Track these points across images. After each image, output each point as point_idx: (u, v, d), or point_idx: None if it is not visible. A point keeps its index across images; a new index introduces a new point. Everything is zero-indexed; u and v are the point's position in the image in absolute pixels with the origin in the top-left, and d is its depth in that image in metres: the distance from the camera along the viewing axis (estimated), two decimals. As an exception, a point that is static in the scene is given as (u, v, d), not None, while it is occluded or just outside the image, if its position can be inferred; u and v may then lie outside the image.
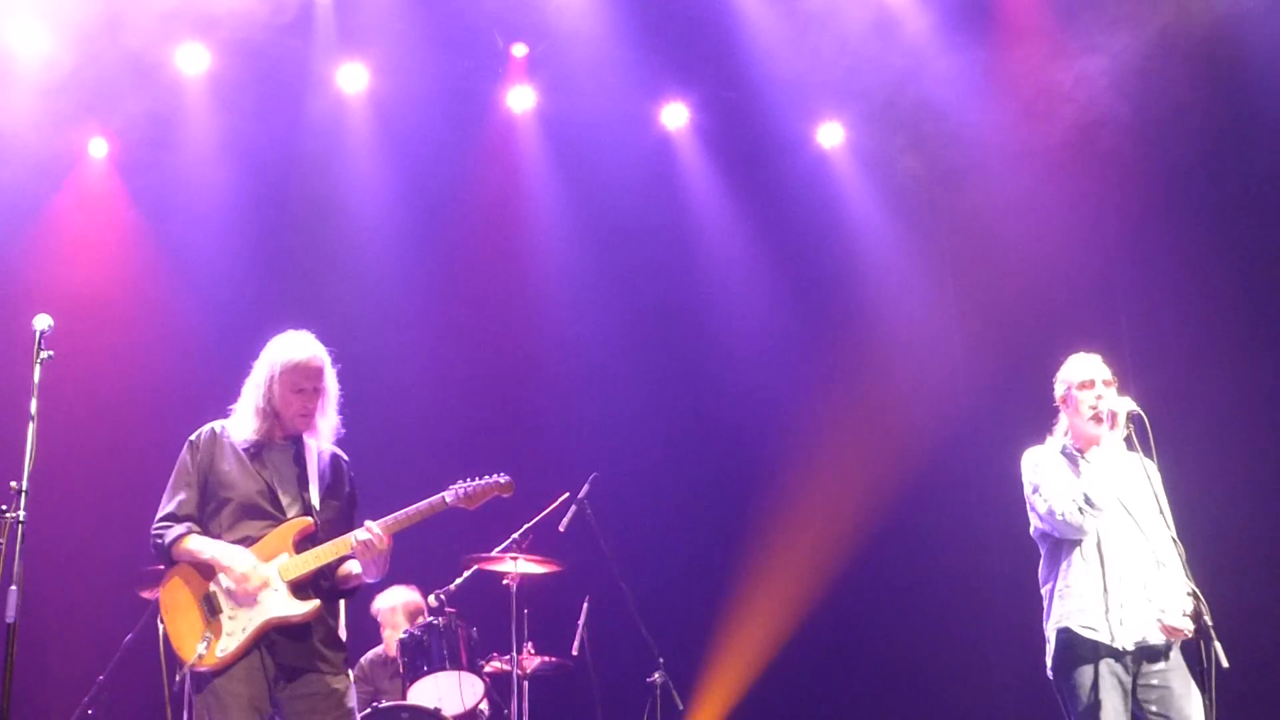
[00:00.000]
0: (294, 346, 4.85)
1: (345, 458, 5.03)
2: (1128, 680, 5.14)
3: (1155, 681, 5.15)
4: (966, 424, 9.41)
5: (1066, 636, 5.21)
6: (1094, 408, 5.28)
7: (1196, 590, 4.94)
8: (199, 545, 4.68)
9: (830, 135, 9.63)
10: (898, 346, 9.53)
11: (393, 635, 7.59)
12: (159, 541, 4.74)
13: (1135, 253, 8.69)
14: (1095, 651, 5.14)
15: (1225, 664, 4.82)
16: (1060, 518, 5.20)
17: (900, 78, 8.90)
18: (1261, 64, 7.82)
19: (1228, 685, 4.90)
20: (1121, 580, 5.19)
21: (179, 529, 4.71)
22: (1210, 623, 4.87)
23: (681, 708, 7.47)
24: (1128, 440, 5.25)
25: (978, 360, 9.41)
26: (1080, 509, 5.17)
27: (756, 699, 9.16)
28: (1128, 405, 5.22)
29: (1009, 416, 8.75)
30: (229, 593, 4.64)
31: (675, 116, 9.63)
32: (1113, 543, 5.24)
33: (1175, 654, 5.19)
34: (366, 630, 7.67)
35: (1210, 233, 8.30)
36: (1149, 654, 5.17)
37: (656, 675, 7.46)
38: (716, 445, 9.55)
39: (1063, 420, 5.48)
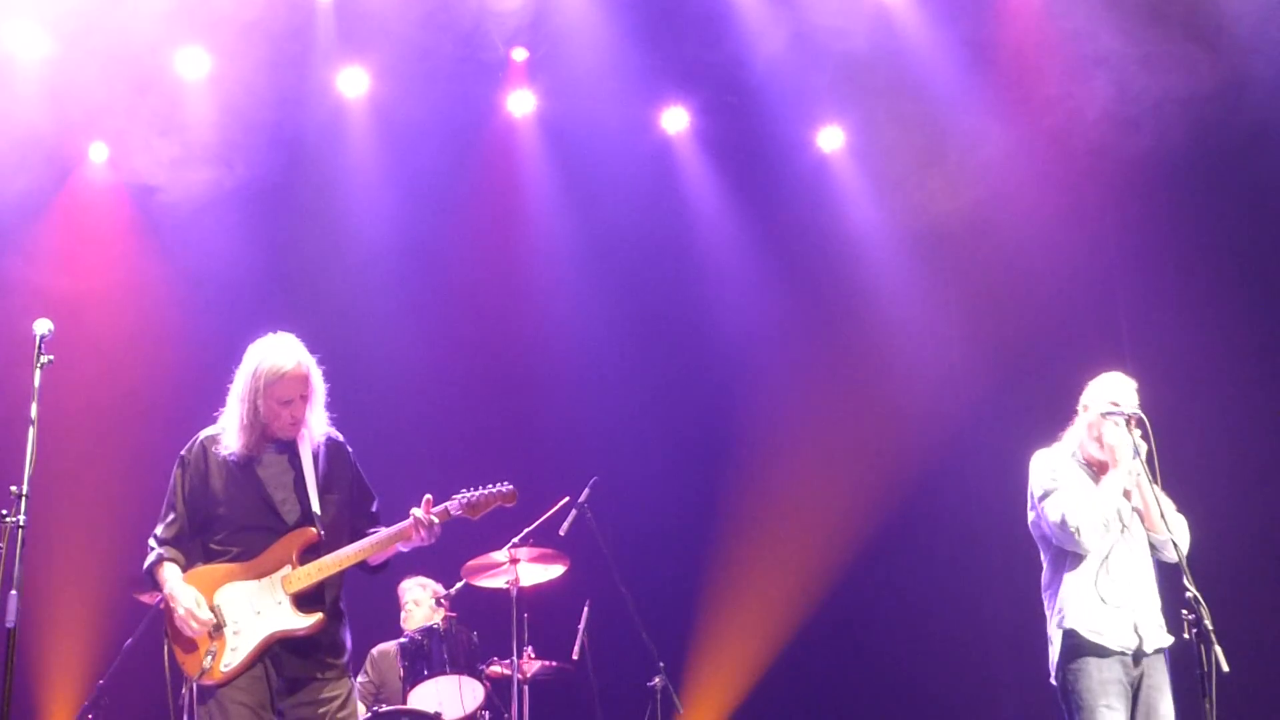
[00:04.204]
0: (276, 356, 4.71)
1: (340, 438, 4.95)
2: (1129, 684, 5.17)
3: (1145, 696, 5.19)
4: (967, 427, 9.40)
5: (1071, 641, 5.22)
6: (1110, 445, 5.27)
7: (1197, 594, 4.94)
8: (162, 577, 4.69)
9: (831, 139, 9.64)
10: (898, 351, 9.53)
11: (416, 611, 7.61)
12: (144, 565, 4.76)
13: (1135, 257, 8.69)
14: (1099, 655, 5.16)
15: (1225, 668, 4.83)
16: (1074, 531, 5.18)
17: (901, 82, 8.91)
18: (1264, 72, 7.82)
19: (1227, 689, 4.90)
20: (1125, 586, 5.21)
21: (153, 556, 4.72)
22: (1210, 626, 4.88)
23: (681, 711, 7.46)
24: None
25: (977, 364, 9.40)
26: (1095, 528, 5.17)
27: (756, 703, 9.16)
28: (1128, 441, 5.22)
29: (1008, 420, 8.77)
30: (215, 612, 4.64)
31: (676, 120, 9.63)
32: (1117, 548, 5.25)
33: (1161, 664, 5.24)
34: (376, 621, 7.69)
35: (1210, 237, 8.30)
36: (1148, 658, 5.20)
37: (657, 679, 7.45)
38: (716, 449, 9.54)
39: (1077, 428, 5.46)
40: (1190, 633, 4.96)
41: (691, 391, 9.61)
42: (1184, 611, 4.98)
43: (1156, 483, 5.25)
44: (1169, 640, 5.28)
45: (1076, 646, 5.21)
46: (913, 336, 9.56)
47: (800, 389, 9.53)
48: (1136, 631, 5.18)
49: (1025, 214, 8.85)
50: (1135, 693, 5.20)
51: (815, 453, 9.36)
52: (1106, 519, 5.20)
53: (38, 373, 4.61)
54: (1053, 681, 5.35)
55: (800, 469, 9.35)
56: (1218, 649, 4.84)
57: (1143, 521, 5.34)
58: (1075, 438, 5.44)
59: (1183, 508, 5.49)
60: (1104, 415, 5.29)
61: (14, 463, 4.50)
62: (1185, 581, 5.01)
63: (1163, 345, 8.28)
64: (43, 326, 4.68)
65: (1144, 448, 5.24)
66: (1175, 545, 5.21)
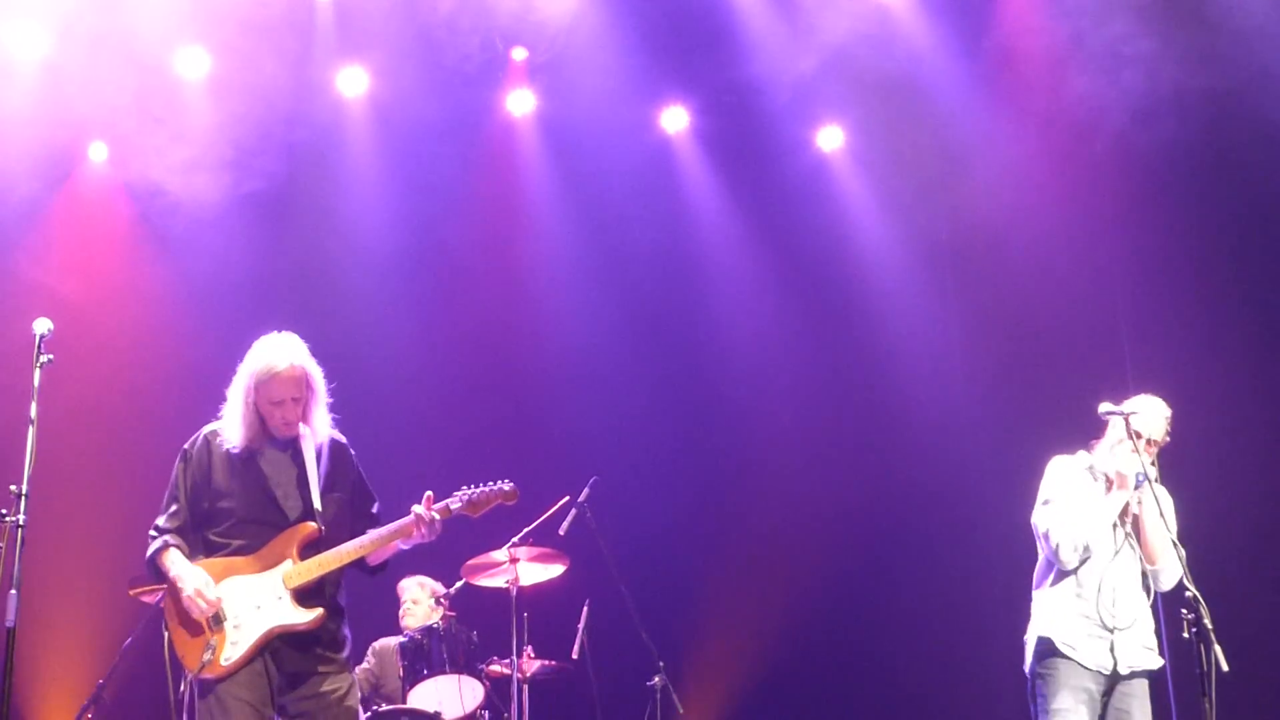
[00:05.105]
0: (270, 356, 4.72)
1: (344, 440, 4.97)
2: (1099, 698, 5.24)
3: (1119, 705, 5.24)
4: (966, 427, 9.40)
5: (1046, 647, 5.29)
6: (1117, 469, 5.30)
7: (1196, 593, 4.96)
8: (167, 562, 4.69)
9: (830, 139, 9.63)
10: (897, 350, 9.52)
11: (415, 610, 7.62)
12: (147, 554, 4.75)
13: (1134, 256, 8.68)
14: (1071, 666, 5.23)
15: (1225, 667, 4.85)
16: (1054, 547, 5.30)
17: (901, 81, 8.91)
18: (1264, 71, 7.81)
19: (1227, 688, 4.91)
20: (1110, 606, 5.25)
21: (158, 543, 4.71)
22: (1210, 626, 4.89)
23: (681, 711, 7.46)
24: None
25: (977, 364, 9.39)
26: (1076, 550, 5.23)
27: (756, 702, 9.16)
28: (1140, 468, 5.22)
29: (1008, 421, 8.78)
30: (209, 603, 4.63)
31: (675, 120, 9.63)
32: (1107, 569, 5.28)
33: (1142, 684, 5.29)
34: (376, 619, 7.69)
35: (1210, 236, 8.29)
36: (1119, 679, 5.25)
37: (656, 679, 7.45)
38: (716, 449, 9.54)
39: (1105, 440, 5.46)
40: (1190, 632, 4.97)
41: (691, 391, 9.61)
42: (1183, 611, 5.00)
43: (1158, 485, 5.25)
44: (1156, 663, 5.33)
45: (1049, 653, 5.29)
46: (913, 335, 9.56)
47: (800, 388, 9.53)
48: (1111, 653, 5.22)
49: (1027, 217, 8.84)
50: (1105, 706, 5.24)
51: (815, 452, 9.36)
52: (1088, 541, 5.24)
53: (37, 372, 4.61)
54: (1027, 674, 5.41)
55: (800, 468, 9.35)
56: (1217, 648, 4.85)
57: (1140, 547, 5.35)
58: (1102, 450, 5.46)
59: (1184, 504, 5.50)
60: (1105, 415, 5.30)
61: (14, 462, 4.50)
62: (1185, 581, 5.03)
63: (1164, 350, 8.27)
64: (42, 326, 4.68)
65: (1154, 473, 5.25)
66: (1168, 573, 5.27)
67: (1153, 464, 5.27)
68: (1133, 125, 8.12)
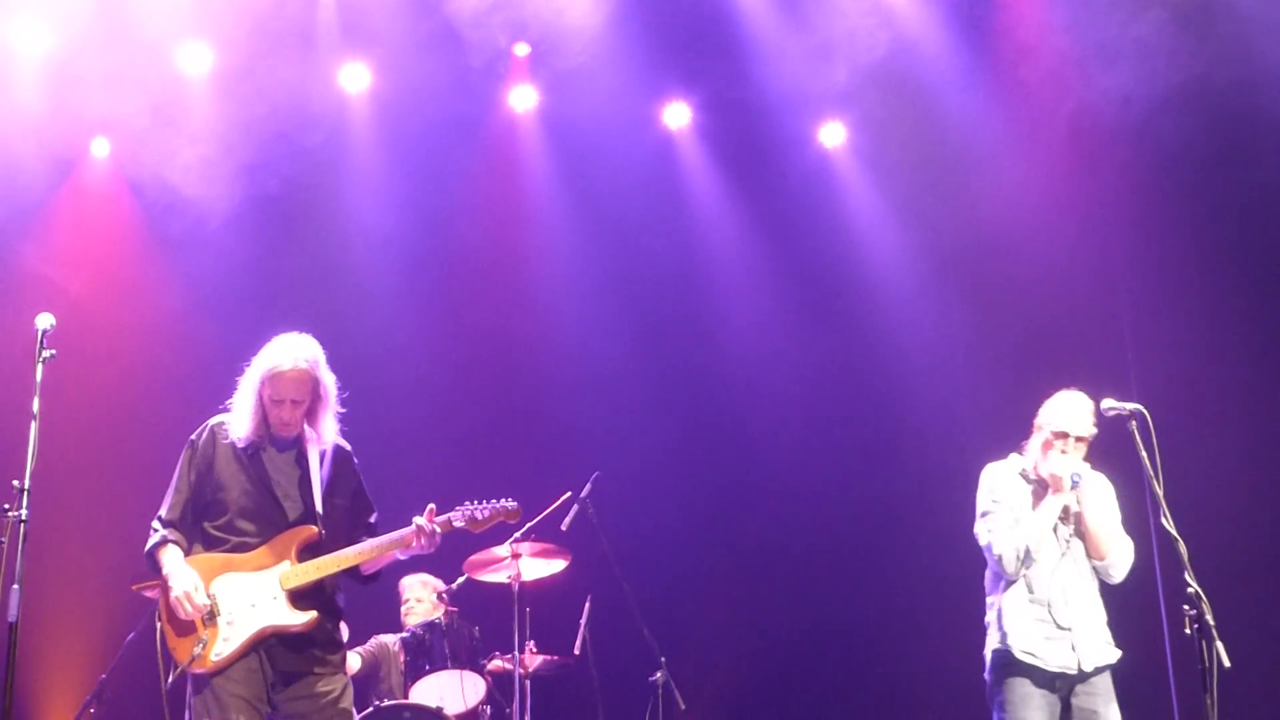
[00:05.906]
0: (279, 355, 4.77)
1: (347, 447, 5.00)
2: (1058, 704, 5.26)
3: (1084, 704, 5.26)
4: (968, 425, 9.37)
5: (1003, 658, 5.31)
6: (1050, 473, 5.30)
7: (1198, 589, 4.96)
8: (163, 559, 4.72)
9: (832, 135, 9.62)
10: (900, 347, 9.51)
11: (417, 608, 7.63)
12: (146, 546, 4.78)
13: (1138, 256, 8.68)
14: (1029, 674, 5.25)
15: (1227, 663, 4.85)
16: (996, 557, 5.31)
17: (903, 77, 8.90)
18: (1266, 71, 7.80)
19: (1229, 685, 4.91)
20: (1064, 607, 5.27)
21: (156, 538, 4.75)
22: (1212, 622, 4.89)
23: (683, 707, 7.47)
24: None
25: (980, 360, 9.38)
26: (1019, 558, 5.24)
27: (758, 698, 9.16)
28: (1073, 469, 5.23)
29: (1010, 422, 8.74)
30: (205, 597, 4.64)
31: (677, 116, 9.62)
32: (1055, 570, 5.29)
33: (1104, 678, 5.31)
34: (376, 619, 7.71)
35: (1213, 235, 8.29)
36: (1081, 678, 5.27)
37: (658, 674, 7.46)
38: (718, 445, 9.54)
39: (1033, 444, 5.47)
40: (1191, 628, 4.97)
41: (693, 387, 9.61)
42: (1185, 606, 4.99)
43: (1159, 480, 5.24)
44: (1114, 656, 5.35)
45: (1006, 663, 5.31)
46: (915, 332, 9.55)
47: (801, 384, 9.52)
48: (1074, 652, 5.25)
49: (1030, 216, 8.82)
50: (1069, 708, 5.26)
51: (817, 448, 9.36)
52: (1029, 548, 5.25)
53: (39, 367, 4.62)
54: (986, 683, 5.44)
55: (802, 464, 9.34)
56: (1219, 644, 4.85)
57: (1085, 545, 5.36)
58: (1032, 452, 5.46)
59: (1185, 501, 5.49)
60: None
61: (16, 457, 4.50)
62: (1186, 577, 5.02)
63: (1164, 341, 8.27)
64: (44, 321, 4.69)
65: (1084, 468, 5.25)
66: (1118, 566, 5.33)
67: (1085, 459, 5.28)
68: (1136, 125, 8.11)
